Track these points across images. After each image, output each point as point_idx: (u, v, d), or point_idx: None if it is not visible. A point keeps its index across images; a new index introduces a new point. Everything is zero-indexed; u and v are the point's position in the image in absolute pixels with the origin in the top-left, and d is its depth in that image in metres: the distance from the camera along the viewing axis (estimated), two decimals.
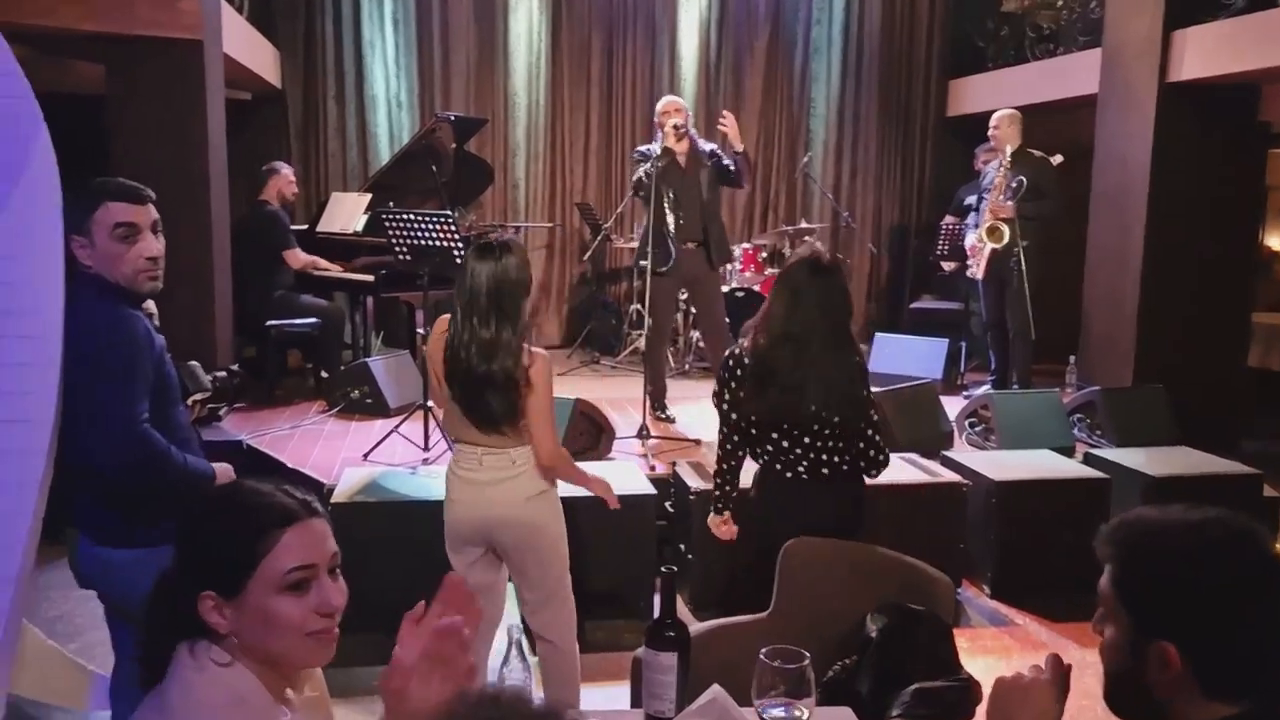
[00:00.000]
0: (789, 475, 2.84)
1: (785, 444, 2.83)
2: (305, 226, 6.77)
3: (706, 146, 5.58)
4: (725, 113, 5.55)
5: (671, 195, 5.40)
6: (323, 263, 6.29)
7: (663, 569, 1.78)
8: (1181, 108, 5.92)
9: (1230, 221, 6.14)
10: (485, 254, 2.73)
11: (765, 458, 2.90)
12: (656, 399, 5.65)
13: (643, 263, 5.33)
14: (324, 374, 6.19)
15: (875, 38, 8.53)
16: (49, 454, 2.00)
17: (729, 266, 6.79)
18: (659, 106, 5.62)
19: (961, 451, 4.94)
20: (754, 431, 2.88)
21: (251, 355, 6.41)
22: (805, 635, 2.41)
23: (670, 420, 5.64)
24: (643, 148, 5.72)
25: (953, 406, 5.60)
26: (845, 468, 2.85)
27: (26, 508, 1.95)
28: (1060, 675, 1.33)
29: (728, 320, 5.75)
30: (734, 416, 2.90)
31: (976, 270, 6.33)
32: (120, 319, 2.25)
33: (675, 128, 5.33)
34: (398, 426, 4.88)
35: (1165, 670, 1.17)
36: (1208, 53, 5.70)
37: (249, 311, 6.00)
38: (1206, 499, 3.95)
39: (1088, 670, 1.41)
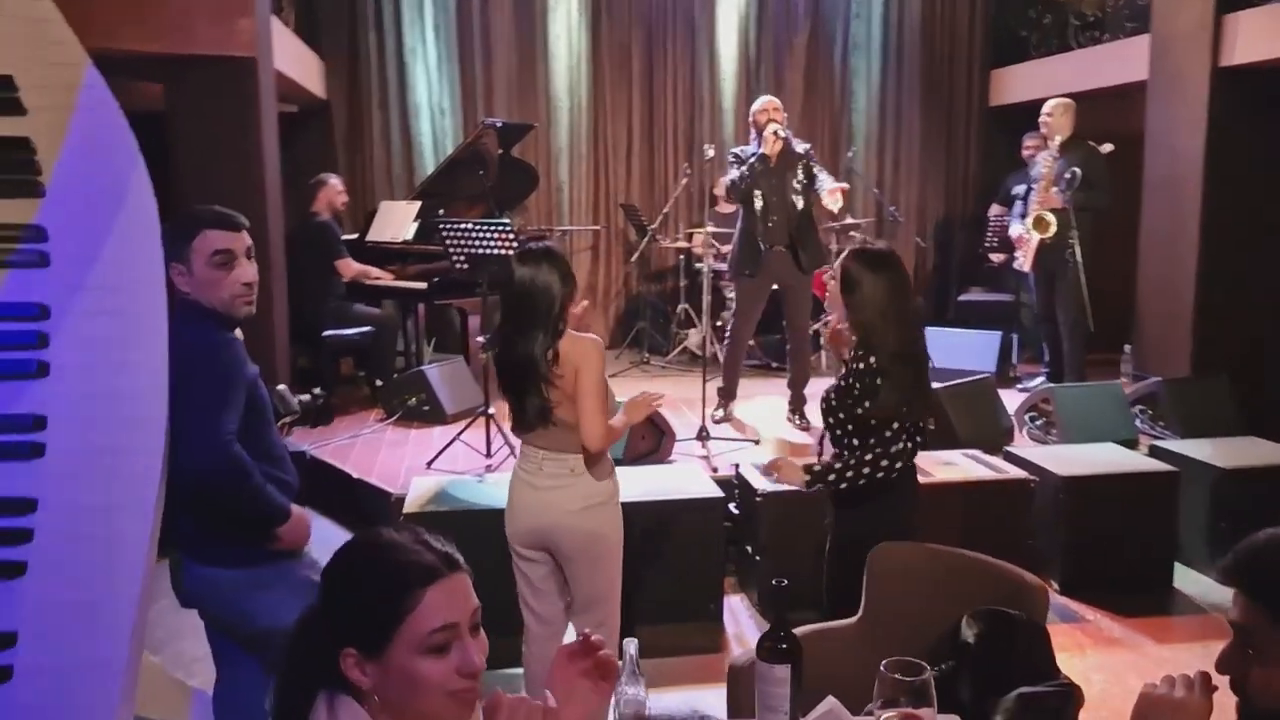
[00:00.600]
0: (895, 477, 2.76)
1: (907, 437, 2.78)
2: (355, 236, 6.85)
3: (800, 147, 5.56)
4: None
5: (761, 198, 5.41)
6: (374, 271, 6.36)
7: (774, 581, 1.79)
8: (1235, 93, 5.84)
9: None
10: (522, 260, 2.80)
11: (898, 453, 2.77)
12: (726, 400, 5.71)
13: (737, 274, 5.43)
14: (379, 382, 6.26)
15: (915, 30, 8.47)
16: (161, 479, 2.05)
17: None
18: (756, 106, 5.64)
19: (1024, 446, 4.92)
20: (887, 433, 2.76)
21: (305, 365, 6.49)
22: (897, 640, 2.43)
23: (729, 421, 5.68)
24: (738, 149, 5.72)
25: (1008, 400, 5.57)
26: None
27: (143, 533, 2.00)
28: (1209, 695, 1.30)
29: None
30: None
31: (1024, 262, 6.29)
32: (219, 343, 2.30)
33: (775, 134, 5.33)
34: (460, 434, 4.93)
35: None
36: (1262, 36, 5.61)
37: (304, 321, 6.07)
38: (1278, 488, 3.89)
39: (1165, 665, 1.40)
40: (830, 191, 5.40)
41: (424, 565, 1.31)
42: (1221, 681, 1.32)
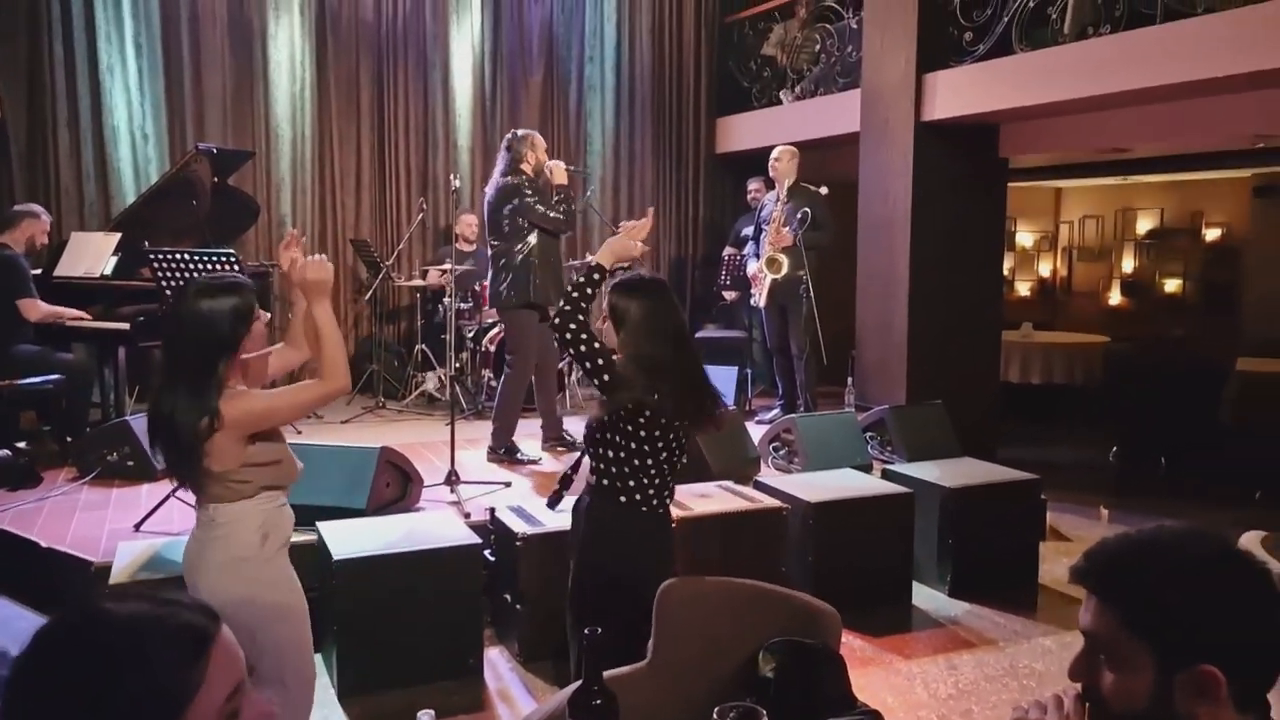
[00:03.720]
0: (661, 511, 2.74)
1: (664, 475, 2.72)
2: (38, 271, 5.99)
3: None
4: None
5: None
6: (69, 312, 5.57)
7: (586, 630, 1.62)
8: (934, 145, 6.41)
9: (979, 249, 6.69)
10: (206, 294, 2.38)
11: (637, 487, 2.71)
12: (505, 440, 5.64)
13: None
14: (68, 438, 5.47)
15: (646, 78, 8.71)
16: None
17: None
18: (539, 142, 5.66)
19: (771, 475, 5.04)
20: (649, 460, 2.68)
21: None
22: (692, 681, 2.32)
23: (522, 460, 5.57)
24: (524, 180, 5.50)
25: (749, 432, 5.72)
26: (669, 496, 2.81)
27: None
28: (1082, 709, 1.25)
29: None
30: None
31: (759, 298, 6.56)
32: None
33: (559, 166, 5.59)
34: (175, 490, 4.35)
35: (1205, 695, 1.13)
36: (954, 95, 6.21)
37: None
38: (997, 504, 4.24)
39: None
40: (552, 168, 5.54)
41: (194, 626, 1.02)
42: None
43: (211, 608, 1.07)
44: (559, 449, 5.82)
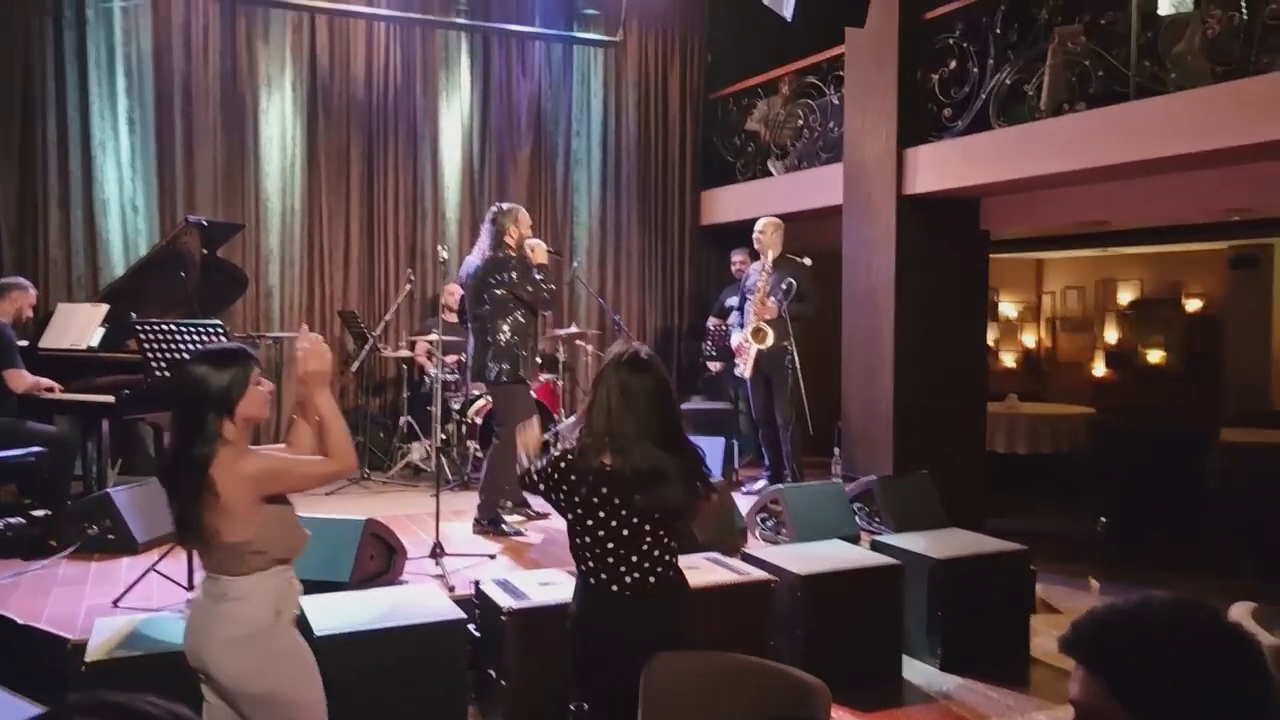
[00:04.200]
0: (615, 589, 2.64)
1: (621, 552, 2.66)
2: (24, 343, 5.98)
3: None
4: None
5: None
6: (44, 382, 5.52)
7: (571, 707, 1.59)
8: (916, 217, 6.51)
9: (962, 320, 6.77)
10: (205, 361, 2.45)
11: (590, 568, 2.69)
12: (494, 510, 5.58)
13: None
14: (48, 510, 5.39)
15: (632, 151, 8.86)
16: None
17: None
18: (524, 220, 5.64)
19: (758, 547, 5.01)
20: (588, 539, 2.67)
21: None
22: None
23: (507, 532, 5.50)
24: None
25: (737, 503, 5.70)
26: (672, 573, 2.72)
27: None
28: None
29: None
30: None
31: (744, 369, 6.58)
32: None
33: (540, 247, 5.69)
34: (155, 564, 4.31)
35: None
36: (934, 169, 6.33)
37: None
38: (986, 576, 4.22)
39: None
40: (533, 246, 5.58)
41: None
42: None
43: (182, 710, 1.04)
44: (529, 514, 5.79)
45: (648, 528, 2.64)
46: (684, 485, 2.66)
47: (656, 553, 2.66)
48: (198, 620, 2.42)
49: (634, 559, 2.63)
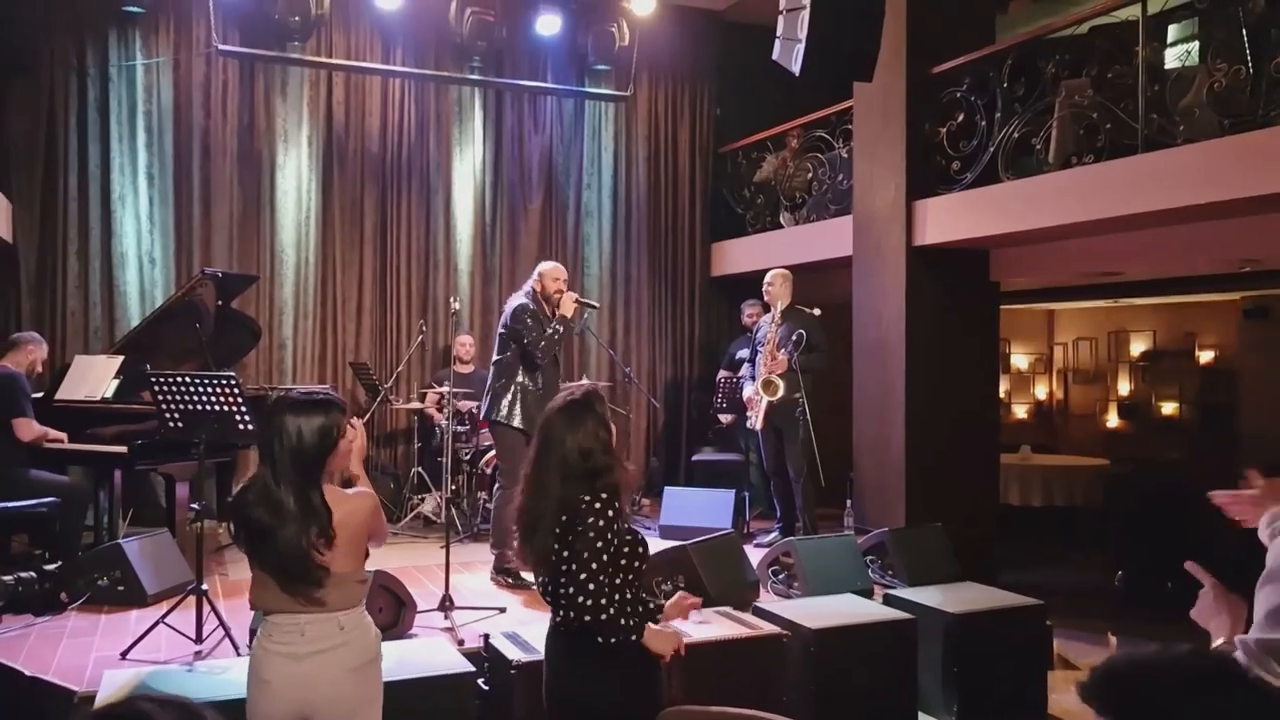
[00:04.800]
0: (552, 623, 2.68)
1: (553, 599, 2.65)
2: (40, 394, 6.02)
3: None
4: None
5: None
6: (52, 433, 5.54)
7: None
8: (926, 269, 6.53)
9: (974, 371, 6.74)
10: (296, 410, 2.53)
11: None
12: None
13: None
14: (60, 561, 5.39)
15: (642, 204, 8.94)
16: None
17: None
18: (548, 272, 5.71)
19: (770, 600, 4.96)
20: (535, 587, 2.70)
21: None
22: None
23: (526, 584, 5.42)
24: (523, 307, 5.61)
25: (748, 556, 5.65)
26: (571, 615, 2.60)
27: None
28: None
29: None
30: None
31: (755, 421, 6.57)
32: None
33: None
34: (165, 616, 4.29)
35: None
36: (943, 221, 6.36)
37: None
38: (1002, 631, 4.15)
39: None
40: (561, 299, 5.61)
41: None
42: None
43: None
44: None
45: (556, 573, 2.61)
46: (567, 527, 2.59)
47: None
48: (309, 666, 2.47)
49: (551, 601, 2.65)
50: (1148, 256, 6.04)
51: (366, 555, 2.65)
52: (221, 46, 7.13)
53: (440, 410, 7.25)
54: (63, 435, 5.59)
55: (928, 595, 4.77)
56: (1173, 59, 5.72)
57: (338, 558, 2.50)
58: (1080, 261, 6.42)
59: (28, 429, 5.43)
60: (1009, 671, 4.60)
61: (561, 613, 2.55)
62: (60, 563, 5.35)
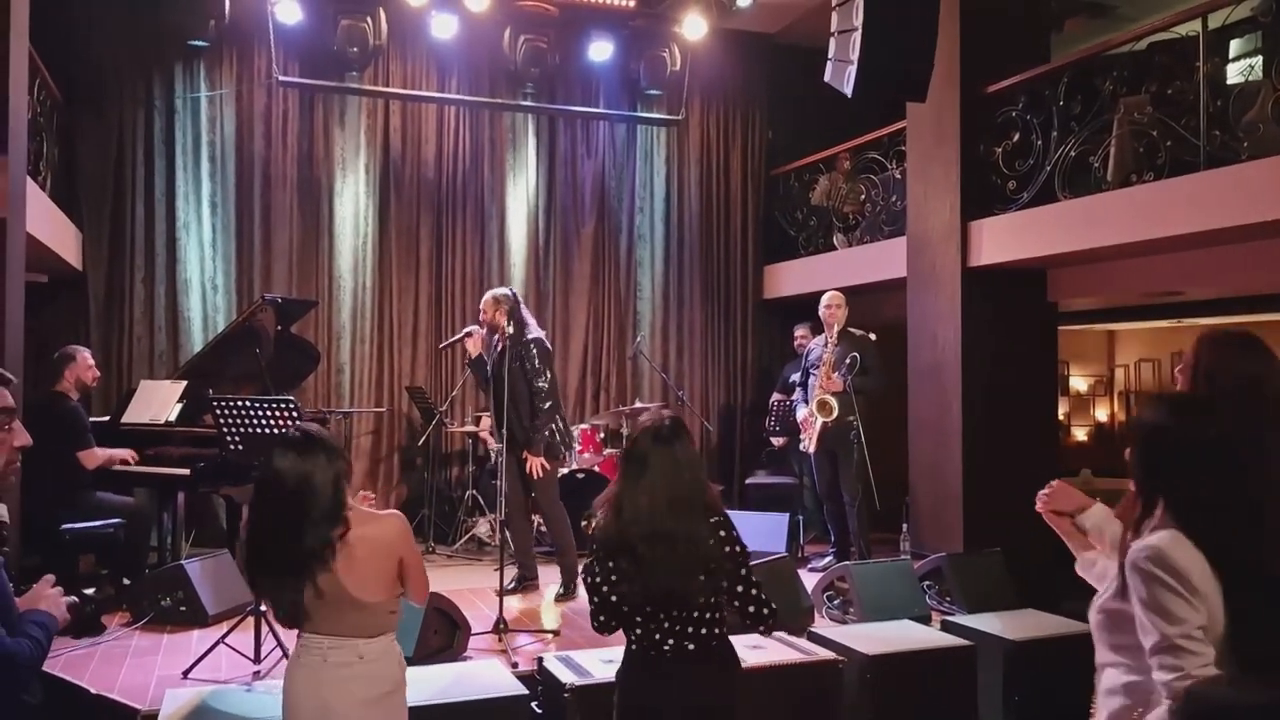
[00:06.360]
0: (653, 654, 2.66)
1: (650, 624, 2.65)
2: (106, 418, 6.19)
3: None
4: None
5: None
6: (119, 454, 5.67)
7: None
8: (982, 289, 6.45)
9: (1032, 392, 6.62)
10: (284, 448, 2.55)
11: (632, 639, 2.73)
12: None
13: None
14: (125, 580, 5.52)
15: (695, 226, 8.96)
16: None
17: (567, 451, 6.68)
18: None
19: (826, 626, 4.90)
20: (625, 609, 2.67)
21: (35, 563, 5.63)
22: None
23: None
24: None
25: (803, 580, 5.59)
26: (714, 643, 2.68)
27: None
28: None
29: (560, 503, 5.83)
30: (603, 596, 2.70)
31: (809, 444, 6.52)
32: None
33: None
34: (225, 636, 4.36)
35: None
36: (999, 241, 6.28)
37: (37, 512, 5.31)
38: (1065, 659, 4.03)
39: None
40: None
41: None
42: None
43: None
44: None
45: (674, 601, 2.62)
46: (693, 556, 2.61)
47: (696, 616, 2.63)
48: (327, 692, 2.48)
49: (667, 625, 2.63)
50: (1211, 276, 5.90)
51: (401, 588, 2.62)
52: (282, 78, 7.32)
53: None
54: (132, 454, 5.71)
55: (987, 622, 4.68)
56: (1235, 74, 5.59)
57: (360, 581, 2.48)
58: (1141, 281, 6.29)
59: (91, 458, 5.53)
60: (1070, 701, 4.47)
61: (750, 619, 2.71)
62: (125, 582, 5.49)
